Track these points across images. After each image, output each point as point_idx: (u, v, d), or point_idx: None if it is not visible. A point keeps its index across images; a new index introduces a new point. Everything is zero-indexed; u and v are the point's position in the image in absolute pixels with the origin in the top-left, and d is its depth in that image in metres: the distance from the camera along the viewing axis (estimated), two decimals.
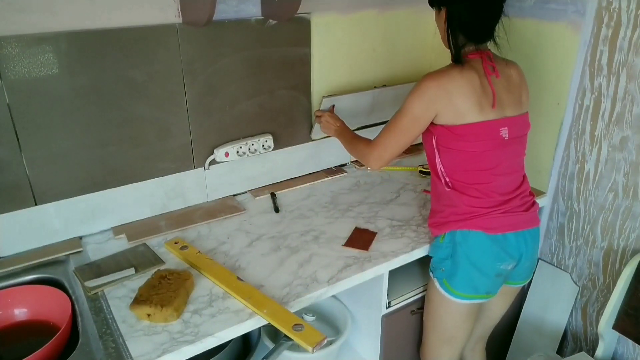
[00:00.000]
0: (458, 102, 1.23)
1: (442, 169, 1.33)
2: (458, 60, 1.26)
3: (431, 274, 1.40)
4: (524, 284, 1.47)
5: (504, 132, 1.26)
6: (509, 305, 1.53)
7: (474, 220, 1.29)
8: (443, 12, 1.28)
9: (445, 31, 1.27)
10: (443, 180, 1.34)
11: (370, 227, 1.51)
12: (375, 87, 1.87)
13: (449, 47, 1.29)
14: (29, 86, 1.23)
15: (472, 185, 1.29)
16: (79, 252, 1.37)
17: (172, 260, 1.34)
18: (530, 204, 1.36)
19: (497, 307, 1.52)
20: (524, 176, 1.38)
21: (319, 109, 1.71)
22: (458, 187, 1.31)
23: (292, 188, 1.76)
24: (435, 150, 1.32)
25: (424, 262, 1.47)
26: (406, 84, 1.94)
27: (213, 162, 1.60)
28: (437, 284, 1.37)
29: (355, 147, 1.48)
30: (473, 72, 1.24)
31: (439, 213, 1.38)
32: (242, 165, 1.67)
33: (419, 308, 1.54)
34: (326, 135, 1.76)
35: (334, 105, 1.70)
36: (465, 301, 1.34)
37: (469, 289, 1.32)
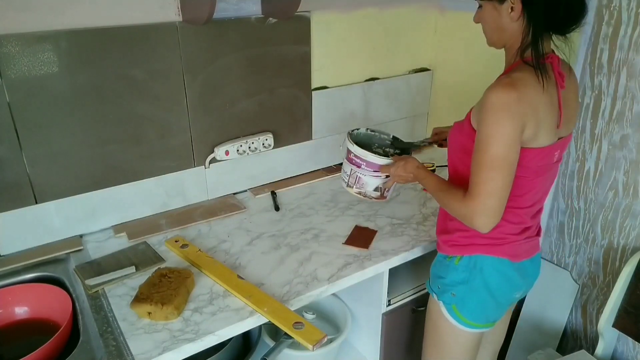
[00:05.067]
0: (540, 119, 0.98)
1: None
2: (538, 63, 0.99)
3: (434, 295, 1.23)
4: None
5: (556, 156, 1.08)
6: (507, 324, 1.46)
7: (503, 246, 1.14)
8: (508, 3, 1.01)
9: (521, 24, 1.02)
10: None
11: (371, 225, 1.51)
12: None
13: (521, 48, 1.03)
14: (29, 85, 1.23)
15: (508, 210, 1.06)
16: (80, 250, 1.37)
17: (173, 258, 1.34)
18: (539, 225, 1.24)
19: (499, 330, 1.44)
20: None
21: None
22: None
23: (292, 186, 1.76)
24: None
25: (424, 261, 1.46)
26: (394, 77, 1.94)
27: (213, 160, 1.60)
28: (444, 310, 1.21)
29: (448, 205, 1.12)
30: (550, 81, 1.00)
31: (458, 232, 1.16)
32: (243, 163, 1.67)
33: (419, 307, 1.54)
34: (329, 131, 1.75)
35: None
36: (475, 330, 1.21)
37: (480, 318, 1.19)
